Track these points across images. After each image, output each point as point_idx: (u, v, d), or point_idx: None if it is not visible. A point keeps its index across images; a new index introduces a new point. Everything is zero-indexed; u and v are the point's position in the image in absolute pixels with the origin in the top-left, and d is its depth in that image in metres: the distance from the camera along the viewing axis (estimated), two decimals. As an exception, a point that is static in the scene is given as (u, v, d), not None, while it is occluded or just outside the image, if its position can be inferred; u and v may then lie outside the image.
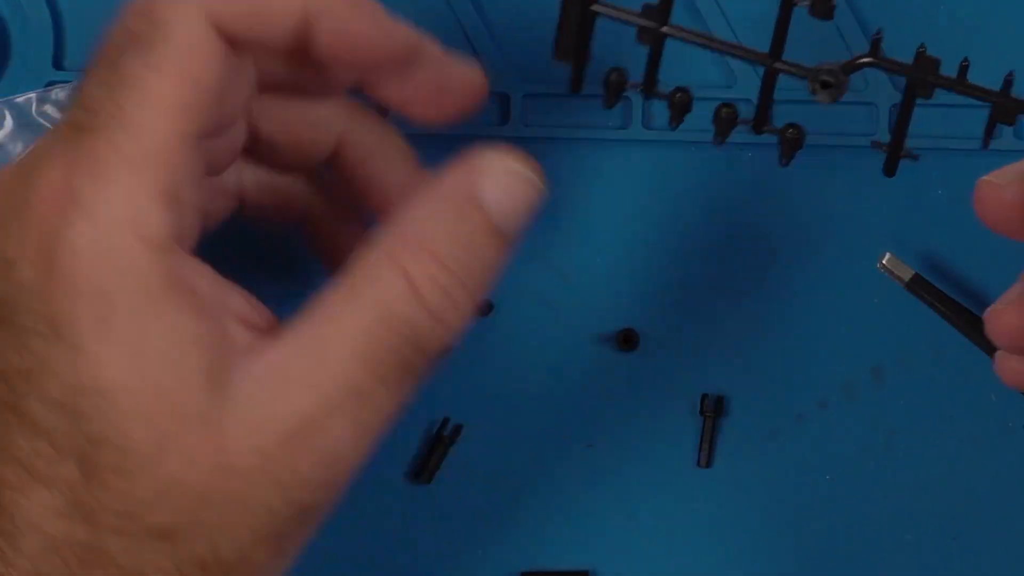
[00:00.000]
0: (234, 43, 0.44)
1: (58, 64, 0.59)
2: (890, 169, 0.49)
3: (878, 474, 0.57)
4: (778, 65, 0.47)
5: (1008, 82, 0.47)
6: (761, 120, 0.49)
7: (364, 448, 0.43)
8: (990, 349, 0.55)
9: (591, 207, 0.58)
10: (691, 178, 0.58)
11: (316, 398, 0.42)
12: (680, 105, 0.49)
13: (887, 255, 0.57)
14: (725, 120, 0.49)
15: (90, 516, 0.41)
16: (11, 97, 0.58)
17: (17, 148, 0.58)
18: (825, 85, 0.47)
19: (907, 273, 0.56)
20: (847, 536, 0.57)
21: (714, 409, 0.57)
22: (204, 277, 0.43)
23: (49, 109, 0.58)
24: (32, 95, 0.58)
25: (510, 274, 0.56)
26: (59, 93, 0.58)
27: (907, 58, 0.48)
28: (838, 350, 0.58)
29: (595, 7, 0.47)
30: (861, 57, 0.47)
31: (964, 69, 0.47)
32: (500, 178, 0.45)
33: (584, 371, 0.58)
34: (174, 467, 0.41)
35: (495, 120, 0.59)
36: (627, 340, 0.58)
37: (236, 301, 0.43)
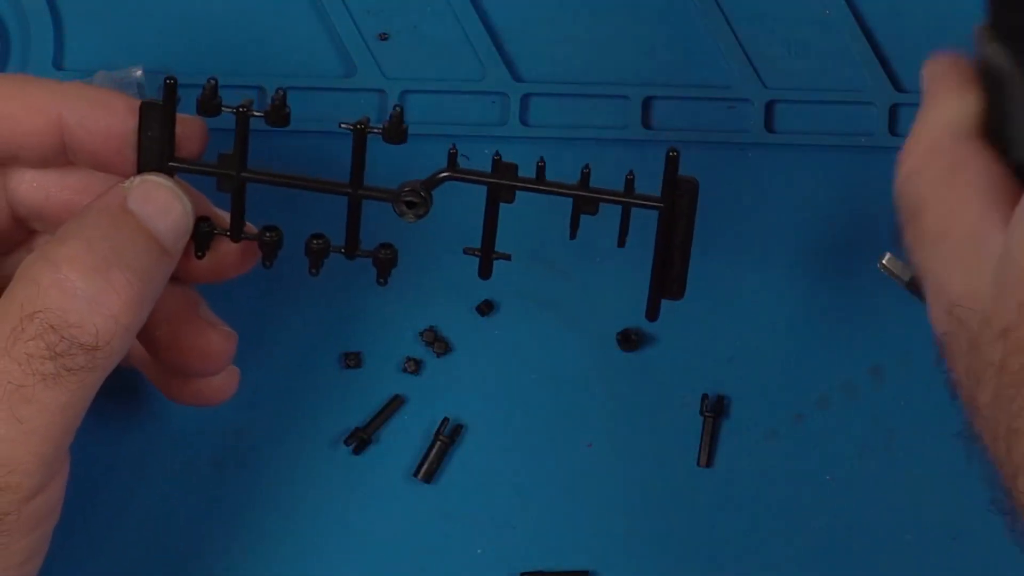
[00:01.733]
0: None
1: (58, 64, 0.59)
2: (485, 271, 0.50)
3: (878, 474, 0.57)
4: (361, 192, 0.48)
5: (585, 175, 0.48)
6: (352, 246, 0.50)
7: (38, 449, 0.43)
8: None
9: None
10: (691, 178, 0.58)
11: None
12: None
13: (887, 255, 0.57)
14: (316, 251, 0.50)
15: None
16: (11, 97, 0.58)
17: (17, 148, 0.58)
18: (410, 205, 0.48)
19: (907, 273, 0.56)
20: (847, 536, 0.57)
21: (714, 409, 0.57)
22: None
23: (49, 109, 0.58)
24: (32, 95, 0.58)
25: (510, 274, 0.56)
26: (59, 93, 0.58)
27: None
28: (838, 350, 0.58)
29: (172, 163, 0.48)
30: (439, 173, 0.48)
31: (541, 170, 0.48)
32: (148, 191, 0.47)
33: (584, 371, 0.58)
34: None
35: (495, 120, 0.59)
36: (627, 340, 0.58)
37: None
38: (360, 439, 0.57)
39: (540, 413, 0.58)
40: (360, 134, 0.47)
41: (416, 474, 0.57)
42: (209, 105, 0.47)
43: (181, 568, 0.57)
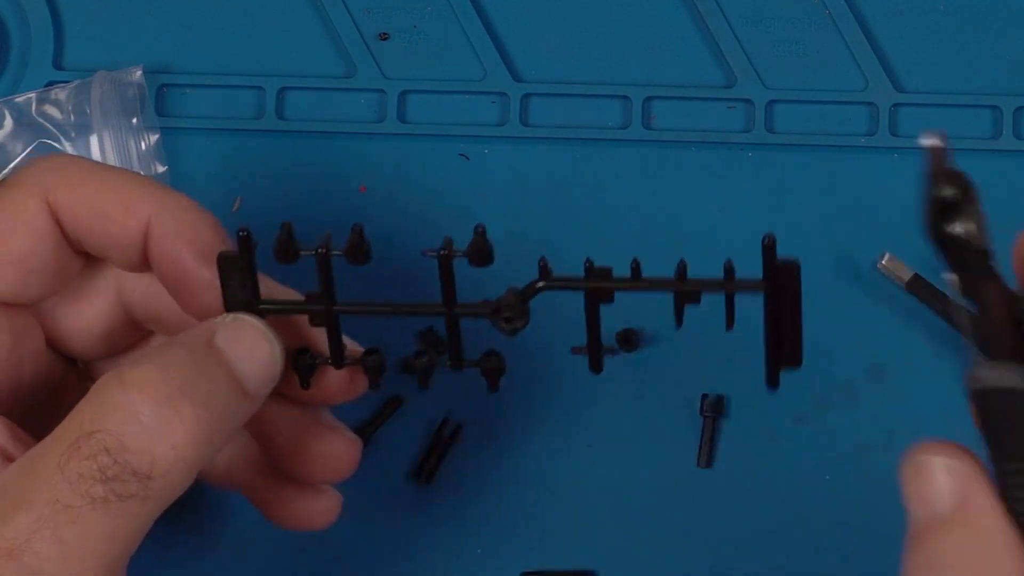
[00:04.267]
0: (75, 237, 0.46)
1: (58, 64, 0.59)
2: (595, 366, 0.50)
3: (878, 474, 0.57)
4: (458, 310, 0.48)
5: (682, 268, 0.47)
6: (456, 360, 0.49)
7: (77, 571, 0.41)
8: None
9: (591, 207, 0.58)
10: (691, 178, 0.58)
11: (23, 514, 0.41)
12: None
13: (887, 255, 0.57)
14: (422, 369, 0.49)
15: None
16: (11, 97, 0.59)
17: (17, 148, 0.58)
18: (508, 320, 0.48)
19: (907, 273, 0.56)
20: (847, 536, 0.57)
21: (714, 409, 0.57)
22: None
23: (49, 109, 0.58)
24: (32, 95, 0.58)
25: (510, 274, 0.56)
26: (59, 93, 0.58)
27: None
28: (838, 350, 0.58)
29: (262, 305, 0.46)
30: (535, 284, 0.47)
31: (636, 269, 0.47)
32: (238, 330, 0.45)
33: (584, 371, 0.58)
34: None
35: (495, 120, 0.59)
36: (627, 340, 0.58)
37: None
38: (360, 439, 0.57)
39: (540, 413, 0.58)
40: (445, 260, 0.46)
41: (416, 474, 0.57)
42: (286, 250, 0.45)
43: (179, 568, 0.57)
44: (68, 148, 0.58)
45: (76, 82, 0.58)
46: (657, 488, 0.57)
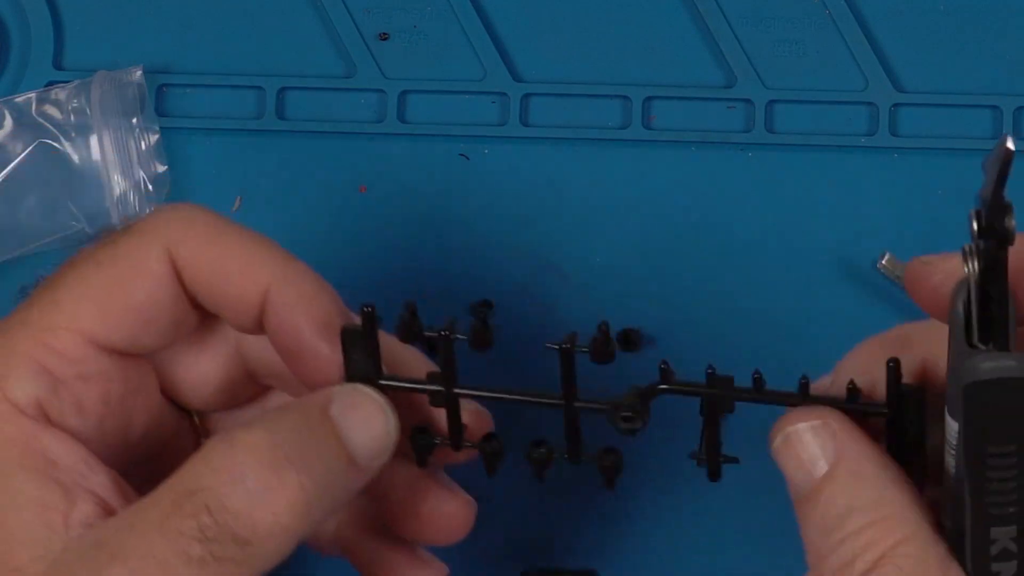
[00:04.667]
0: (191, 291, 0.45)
1: (58, 64, 0.59)
2: (714, 474, 0.49)
3: (878, 474, 0.57)
4: (578, 404, 0.47)
5: (804, 385, 0.46)
6: (574, 454, 0.48)
7: None
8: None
9: (591, 207, 0.58)
10: (691, 178, 0.58)
11: (119, 568, 0.41)
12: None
13: (887, 255, 0.57)
14: (539, 461, 0.48)
15: None
16: (11, 97, 0.59)
17: (17, 148, 0.58)
18: (627, 420, 0.47)
19: (907, 273, 0.56)
20: (847, 536, 0.57)
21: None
22: (68, 452, 0.43)
23: (49, 109, 0.58)
24: (32, 95, 0.58)
25: (510, 274, 0.56)
26: (59, 93, 0.59)
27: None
28: (838, 350, 0.58)
29: (382, 381, 0.46)
30: (656, 386, 0.47)
31: (758, 380, 0.47)
32: (356, 401, 0.44)
33: (584, 371, 0.58)
34: None
35: (495, 120, 0.59)
36: (627, 340, 0.57)
37: (97, 480, 0.43)
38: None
39: (540, 413, 0.58)
40: (567, 354, 0.46)
41: (416, 474, 0.57)
42: (409, 330, 0.45)
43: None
44: (68, 148, 0.58)
45: (76, 82, 0.58)
46: (657, 488, 0.57)
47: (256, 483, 0.41)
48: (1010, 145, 0.36)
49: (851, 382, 0.45)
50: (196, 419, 0.49)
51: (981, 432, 0.38)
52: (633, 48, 0.59)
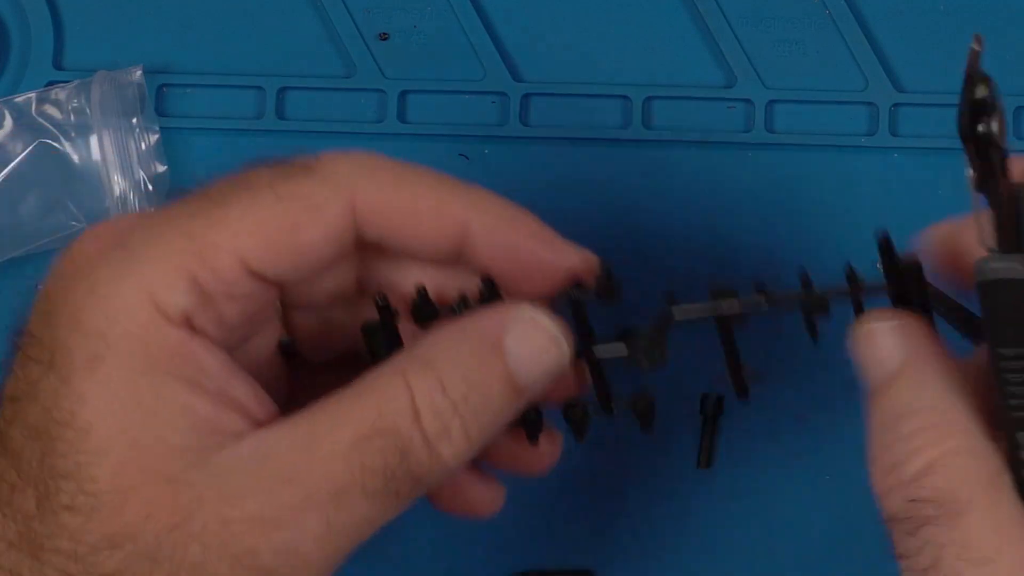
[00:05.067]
0: (378, 240, 0.45)
1: (58, 64, 0.59)
2: (742, 392, 0.50)
3: (878, 474, 0.57)
4: (598, 348, 0.47)
5: (804, 279, 0.47)
6: (606, 406, 0.48)
7: (331, 554, 0.42)
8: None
9: (591, 207, 0.58)
10: (691, 178, 0.58)
11: (293, 488, 0.42)
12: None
13: (887, 255, 0.57)
14: (578, 421, 0.48)
15: (37, 552, 0.41)
16: (11, 97, 0.59)
17: (17, 148, 0.58)
18: (648, 354, 0.47)
19: (907, 273, 0.56)
20: (847, 536, 0.57)
21: (714, 409, 0.57)
22: (215, 360, 0.43)
23: (49, 109, 0.58)
24: (32, 95, 0.59)
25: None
26: (59, 93, 0.59)
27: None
28: (838, 350, 0.58)
29: None
30: (668, 308, 0.47)
31: (760, 285, 0.47)
32: (529, 331, 0.45)
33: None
34: (130, 518, 0.41)
35: (495, 120, 0.59)
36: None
37: (242, 390, 0.43)
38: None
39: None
40: (576, 303, 0.46)
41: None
42: (422, 312, 0.46)
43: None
44: (68, 148, 0.58)
45: (76, 82, 0.58)
46: (657, 488, 0.57)
47: (435, 430, 0.43)
48: (975, 45, 0.38)
49: (848, 266, 0.46)
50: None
51: (998, 333, 0.39)
52: (633, 48, 0.59)
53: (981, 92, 0.40)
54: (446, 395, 0.43)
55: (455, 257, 0.46)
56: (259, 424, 0.43)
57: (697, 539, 0.57)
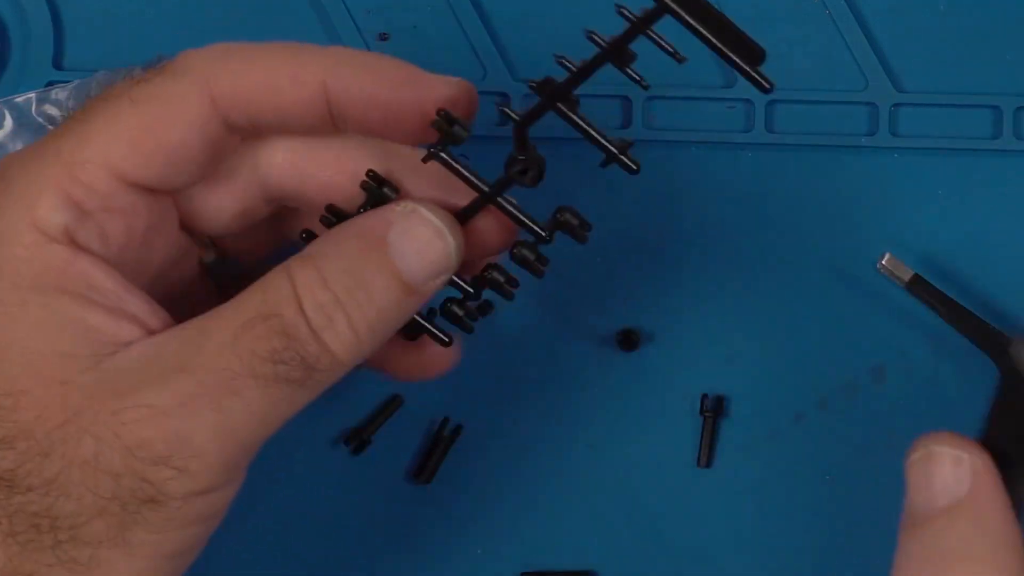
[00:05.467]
0: (247, 122, 0.46)
1: (58, 64, 0.59)
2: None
3: (878, 474, 0.57)
4: (495, 191, 0.47)
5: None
6: (536, 233, 0.48)
7: (224, 445, 0.43)
8: (990, 349, 0.55)
9: (591, 207, 0.58)
10: (691, 178, 0.58)
11: (184, 377, 0.42)
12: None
13: (887, 255, 0.57)
14: (531, 262, 0.49)
15: None
16: (11, 97, 0.59)
17: (17, 148, 0.58)
18: (521, 171, 0.47)
19: (907, 273, 0.56)
20: (847, 536, 0.57)
21: (714, 409, 0.57)
22: (103, 275, 0.44)
23: (49, 109, 0.58)
24: (32, 95, 0.58)
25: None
26: (59, 93, 0.58)
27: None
28: (838, 350, 0.58)
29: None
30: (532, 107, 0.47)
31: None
32: (413, 226, 0.46)
33: (584, 371, 0.58)
34: (21, 417, 0.42)
35: (495, 120, 0.59)
36: (627, 340, 0.58)
37: (135, 304, 0.44)
38: (359, 439, 0.57)
39: (540, 413, 0.58)
40: (447, 136, 0.46)
41: (415, 474, 0.57)
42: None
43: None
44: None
45: (76, 82, 0.58)
46: (657, 488, 0.57)
47: (315, 321, 0.43)
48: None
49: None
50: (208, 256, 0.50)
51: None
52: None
53: None
54: (327, 287, 0.44)
55: (328, 122, 0.46)
56: (154, 333, 0.44)
57: (697, 539, 0.57)
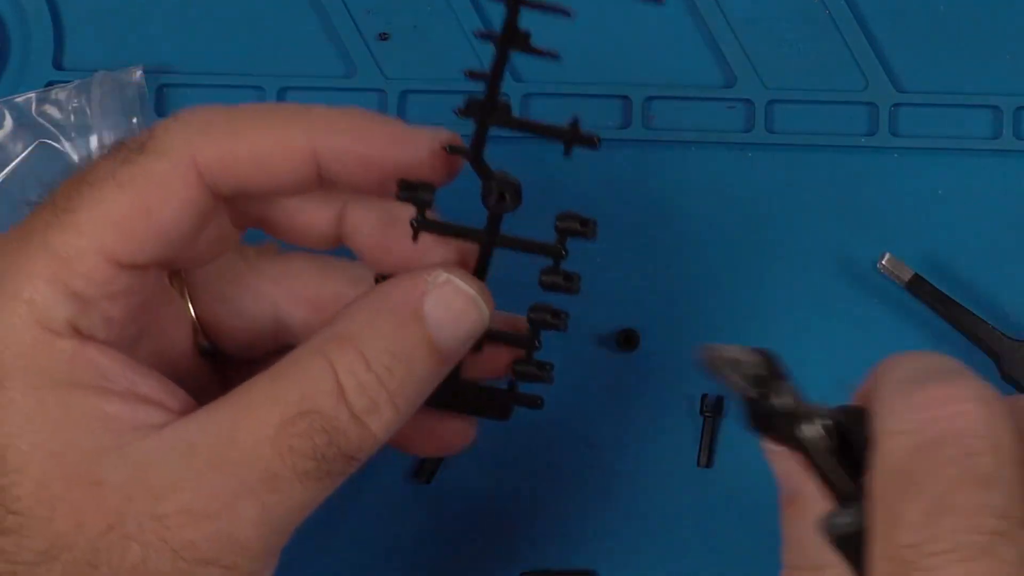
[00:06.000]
0: (234, 192, 0.45)
1: (58, 64, 0.59)
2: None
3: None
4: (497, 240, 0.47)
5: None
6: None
7: (268, 537, 0.43)
8: (990, 349, 0.55)
9: (591, 207, 0.58)
10: (691, 178, 0.58)
11: (223, 477, 0.42)
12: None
13: (887, 255, 0.57)
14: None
15: None
16: (11, 97, 0.59)
17: (17, 148, 0.58)
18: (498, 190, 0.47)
19: (907, 273, 0.56)
20: (847, 536, 0.57)
21: (714, 409, 0.57)
22: (112, 361, 0.43)
23: (49, 109, 0.58)
24: (32, 95, 0.59)
25: (510, 274, 0.56)
26: (59, 93, 0.59)
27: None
28: (838, 350, 0.58)
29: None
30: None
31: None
32: (448, 296, 0.45)
33: (584, 371, 0.58)
34: (61, 527, 0.41)
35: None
36: (627, 340, 0.58)
37: (150, 385, 0.44)
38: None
39: (540, 413, 0.58)
40: (415, 200, 0.46)
41: (416, 474, 0.57)
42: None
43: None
44: (68, 148, 0.58)
45: (76, 82, 0.58)
46: (657, 488, 0.57)
47: (363, 406, 0.43)
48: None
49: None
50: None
51: None
52: (633, 48, 0.59)
53: (784, 399, 0.42)
54: (370, 369, 0.43)
55: (319, 181, 0.46)
56: (176, 413, 0.43)
57: (697, 539, 0.57)
